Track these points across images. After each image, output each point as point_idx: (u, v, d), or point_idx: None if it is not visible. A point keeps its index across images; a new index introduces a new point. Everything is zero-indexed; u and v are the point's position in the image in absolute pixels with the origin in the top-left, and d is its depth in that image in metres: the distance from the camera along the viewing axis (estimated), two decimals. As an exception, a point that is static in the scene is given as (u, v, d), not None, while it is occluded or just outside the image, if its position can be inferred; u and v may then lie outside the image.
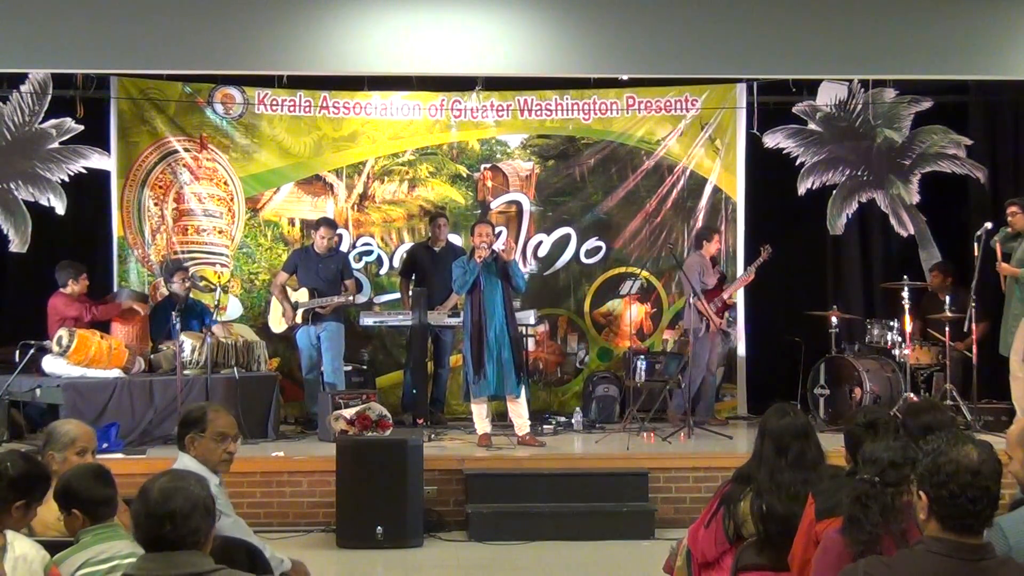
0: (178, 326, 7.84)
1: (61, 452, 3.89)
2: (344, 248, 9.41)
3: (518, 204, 9.82)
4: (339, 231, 9.21)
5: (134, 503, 2.78)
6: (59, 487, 3.39)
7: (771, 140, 9.63)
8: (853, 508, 3.13)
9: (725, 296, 8.99)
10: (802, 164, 9.66)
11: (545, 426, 8.41)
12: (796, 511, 3.57)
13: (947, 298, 8.68)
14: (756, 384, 9.45)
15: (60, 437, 3.93)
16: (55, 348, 7.64)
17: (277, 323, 8.87)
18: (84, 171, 9.21)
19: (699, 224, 9.71)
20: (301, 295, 8.66)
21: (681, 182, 9.78)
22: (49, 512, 3.79)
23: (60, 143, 9.13)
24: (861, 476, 3.20)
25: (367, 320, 8.87)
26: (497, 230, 9.55)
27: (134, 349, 8.04)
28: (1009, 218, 7.90)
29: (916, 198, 9.64)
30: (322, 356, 8.60)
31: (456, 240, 9.48)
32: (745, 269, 9.22)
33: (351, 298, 8.64)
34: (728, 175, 9.76)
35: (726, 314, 9.10)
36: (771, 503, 3.72)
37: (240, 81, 9.43)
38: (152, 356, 8.39)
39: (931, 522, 2.54)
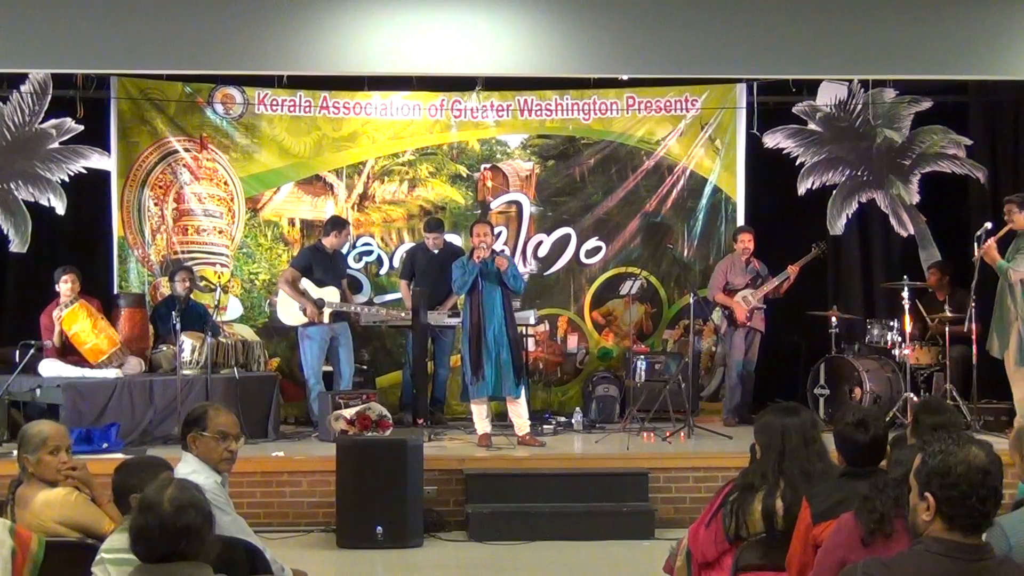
0: (178, 326, 7.84)
1: (34, 454, 3.88)
2: (344, 248, 9.39)
3: (518, 204, 9.82)
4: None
5: (138, 516, 2.76)
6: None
7: (771, 140, 9.63)
8: (870, 491, 3.18)
9: (759, 294, 8.94)
10: (802, 164, 9.66)
11: (545, 426, 8.41)
12: None
13: (946, 297, 8.69)
14: (756, 384, 9.44)
15: (32, 439, 3.91)
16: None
17: (292, 317, 8.68)
18: (84, 171, 9.20)
19: (699, 224, 9.75)
20: (329, 293, 8.58)
21: (681, 182, 9.78)
22: (31, 515, 3.79)
23: (60, 143, 9.13)
24: (891, 477, 3.24)
25: (367, 320, 8.87)
26: (497, 230, 9.58)
27: (124, 351, 8.02)
28: (1005, 216, 7.90)
29: (916, 198, 9.63)
30: (338, 357, 8.59)
31: (456, 240, 9.48)
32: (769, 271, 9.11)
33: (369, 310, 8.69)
34: (728, 175, 9.76)
35: (754, 313, 9.04)
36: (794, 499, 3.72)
37: (240, 81, 9.42)
38: (152, 356, 8.39)
39: (936, 522, 2.54)
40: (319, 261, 8.70)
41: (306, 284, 8.62)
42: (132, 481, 3.46)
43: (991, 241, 7.83)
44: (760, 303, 9.02)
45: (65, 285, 8.12)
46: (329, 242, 8.74)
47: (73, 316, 7.88)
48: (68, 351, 8.02)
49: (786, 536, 3.64)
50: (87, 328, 7.84)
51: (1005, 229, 7.87)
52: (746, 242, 9.09)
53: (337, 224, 8.81)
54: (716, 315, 9.08)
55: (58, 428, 4.03)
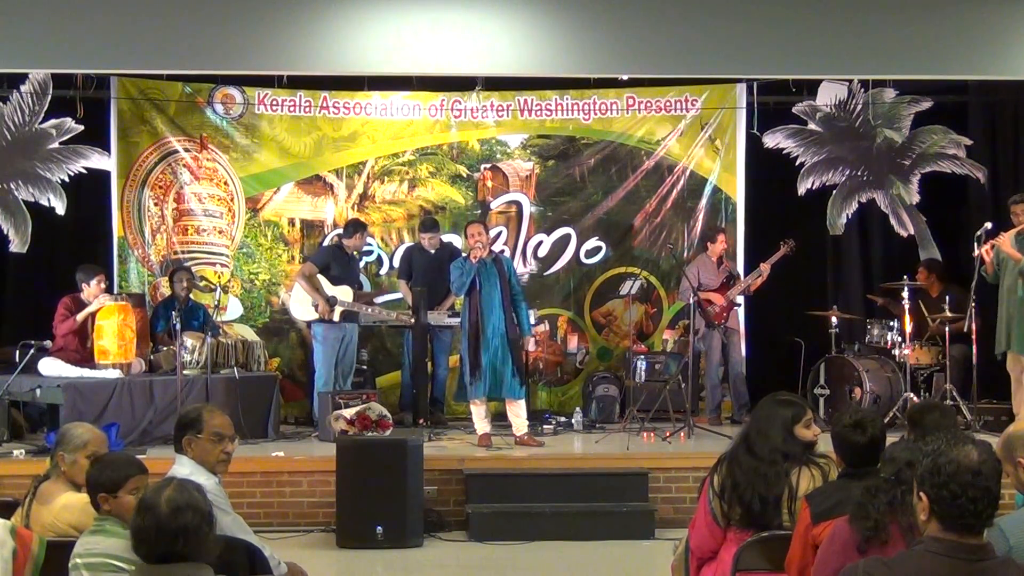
0: (178, 326, 7.84)
1: (72, 454, 3.91)
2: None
3: (518, 204, 9.82)
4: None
5: (137, 515, 2.76)
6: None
7: (771, 140, 9.63)
8: (863, 497, 3.18)
9: (731, 294, 8.95)
10: (802, 164, 9.66)
11: (545, 426, 8.41)
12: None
13: (939, 294, 8.68)
14: (756, 384, 9.44)
15: (73, 439, 3.95)
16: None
17: (305, 312, 8.63)
18: (84, 171, 9.20)
19: (700, 224, 9.73)
20: (343, 292, 8.55)
21: (681, 182, 9.78)
22: (48, 513, 3.80)
23: (60, 143, 9.13)
24: (882, 475, 3.24)
25: (375, 320, 8.85)
26: (497, 230, 9.59)
27: (127, 368, 7.99)
28: (1014, 218, 7.83)
29: (916, 198, 9.63)
30: (344, 357, 8.58)
31: (457, 241, 9.47)
32: (756, 267, 9.05)
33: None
34: (728, 175, 9.76)
35: (731, 312, 9.04)
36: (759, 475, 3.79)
37: (240, 81, 9.43)
38: (152, 356, 8.39)
39: (932, 523, 2.54)
40: (338, 260, 8.70)
41: (321, 281, 8.60)
42: (100, 479, 3.44)
43: (1004, 236, 7.76)
44: (736, 301, 9.03)
45: (100, 286, 8.08)
46: (351, 243, 8.76)
47: (112, 311, 7.84)
48: (82, 338, 8.01)
49: (762, 515, 3.69)
50: (113, 328, 7.82)
51: (1016, 230, 7.78)
52: (724, 242, 9.12)
53: (360, 226, 8.85)
54: (697, 317, 8.96)
55: (99, 435, 4.05)
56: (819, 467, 3.80)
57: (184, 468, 3.78)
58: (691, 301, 8.62)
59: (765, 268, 8.92)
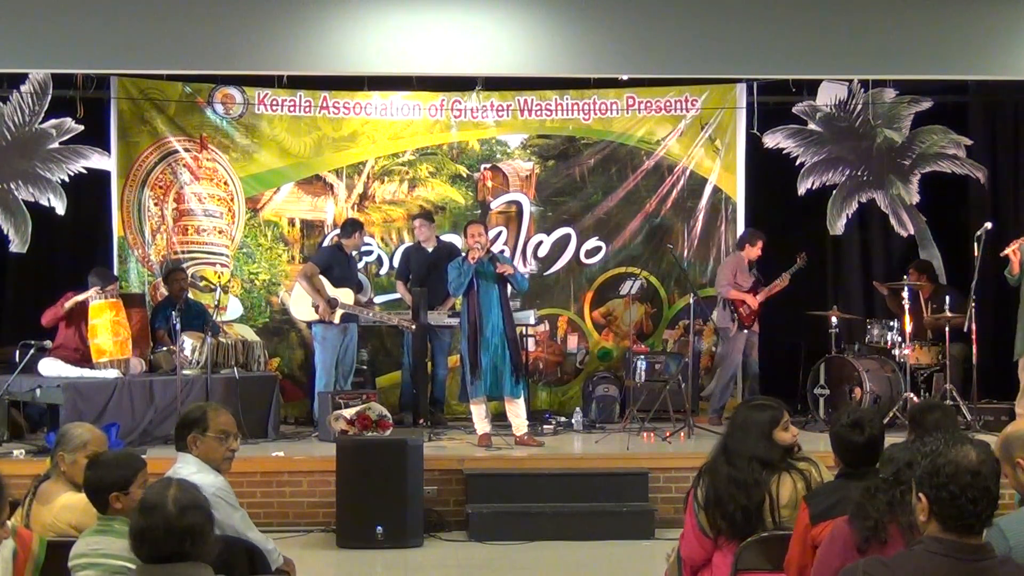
0: (178, 326, 7.84)
1: (71, 454, 3.92)
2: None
3: (518, 204, 9.82)
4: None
5: (140, 516, 2.75)
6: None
7: (771, 140, 9.63)
8: (863, 497, 3.17)
9: (759, 299, 8.96)
10: (802, 164, 9.66)
11: (545, 426, 8.42)
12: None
13: (929, 296, 8.70)
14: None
15: (72, 439, 3.96)
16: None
17: (305, 312, 8.61)
18: (84, 171, 9.20)
19: (700, 224, 9.74)
20: (344, 295, 8.54)
21: (681, 182, 9.78)
22: (48, 512, 3.81)
23: (60, 143, 9.13)
24: (881, 475, 3.24)
25: (374, 321, 8.85)
26: (497, 230, 9.59)
27: (125, 364, 7.99)
28: None
29: (916, 198, 9.64)
30: (344, 357, 8.58)
31: (457, 241, 9.47)
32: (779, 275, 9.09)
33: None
34: (728, 175, 9.76)
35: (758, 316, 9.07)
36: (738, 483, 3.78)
37: (240, 81, 9.43)
38: (152, 356, 8.39)
39: (931, 523, 2.53)
40: (339, 261, 8.68)
41: (323, 282, 8.57)
42: (110, 478, 3.43)
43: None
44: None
45: (111, 293, 8.06)
46: (349, 243, 8.74)
47: (103, 309, 7.86)
48: (81, 338, 8.00)
49: (746, 524, 3.68)
50: (106, 326, 7.83)
51: None
52: (760, 248, 9.08)
53: (357, 226, 8.84)
54: (715, 315, 9.01)
55: (99, 435, 4.06)
56: (800, 473, 3.77)
57: (189, 467, 3.78)
58: (691, 300, 8.60)
59: (786, 278, 8.98)
